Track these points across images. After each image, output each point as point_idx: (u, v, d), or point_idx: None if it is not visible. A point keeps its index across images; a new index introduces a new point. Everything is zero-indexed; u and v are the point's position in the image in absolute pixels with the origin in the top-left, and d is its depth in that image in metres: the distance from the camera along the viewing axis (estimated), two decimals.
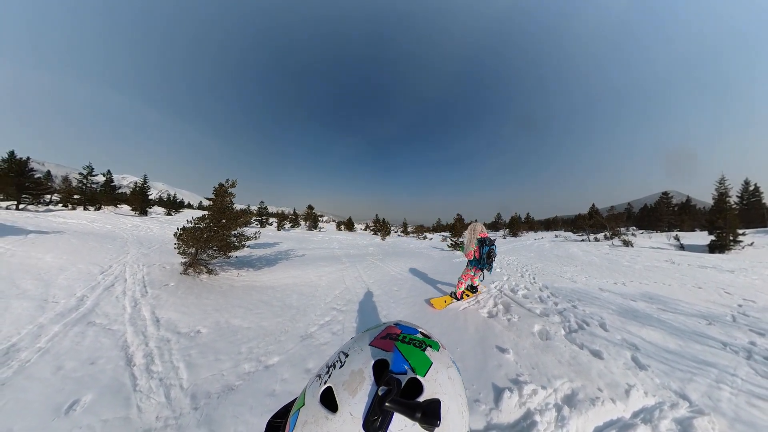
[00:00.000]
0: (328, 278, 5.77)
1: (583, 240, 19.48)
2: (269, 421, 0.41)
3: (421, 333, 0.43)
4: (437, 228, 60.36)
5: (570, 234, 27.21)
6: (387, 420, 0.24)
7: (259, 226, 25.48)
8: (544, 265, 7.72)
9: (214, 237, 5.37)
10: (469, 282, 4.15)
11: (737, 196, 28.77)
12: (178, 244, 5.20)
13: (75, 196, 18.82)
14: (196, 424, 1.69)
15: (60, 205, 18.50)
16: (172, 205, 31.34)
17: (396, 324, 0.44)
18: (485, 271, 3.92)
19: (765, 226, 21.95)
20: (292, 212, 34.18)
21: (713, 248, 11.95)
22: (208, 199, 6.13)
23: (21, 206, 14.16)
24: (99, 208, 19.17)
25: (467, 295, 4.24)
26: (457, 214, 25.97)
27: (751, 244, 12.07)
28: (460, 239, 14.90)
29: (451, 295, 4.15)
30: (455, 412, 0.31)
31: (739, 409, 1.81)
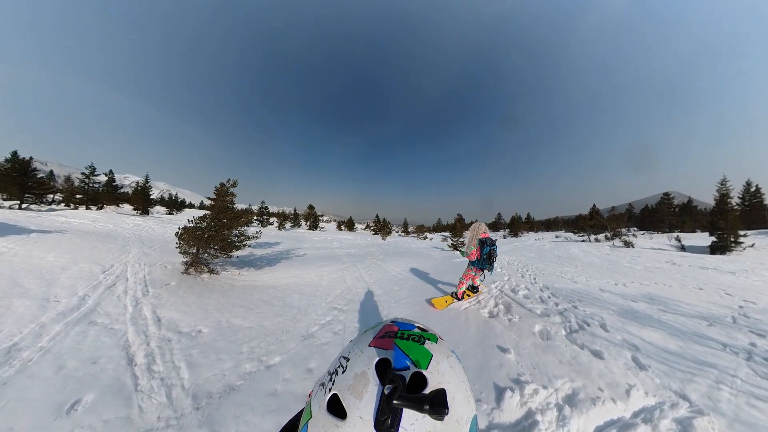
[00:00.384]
0: (329, 278, 5.78)
1: (583, 240, 19.45)
2: None
3: (418, 327, 0.43)
4: (438, 228, 60.33)
5: (571, 234, 27.17)
6: (397, 417, 0.25)
7: (260, 225, 25.49)
8: (544, 266, 7.71)
9: (215, 236, 5.38)
10: (470, 282, 4.15)
11: (738, 197, 28.68)
12: (180, 243, 5.21)
13: (77, 196, 18.88)
14: (197, 424, 1.69)
15: (62, 204, 18.55)
16: (174, 204, 31.38)
17: (393, 322, 0.44)
18: (486, 271, 3.92)
19: (766, 228, 21.89)
20: (292, 212, 34.18)
21: (714, 249, 11.92)
22: (209, 198, 6.14)
23: (24, 206, 14.21)
24: (101, 208, 19.21)
25: (468, 295, 4.24)
26: (458, 214, 25.97)
27: (752, 245, 12.04)
28: (461, 240, 14.91)
29: (452, 295, 4.15)
30: (461, 399, 0.31)
31: (738, 410, 1.82)
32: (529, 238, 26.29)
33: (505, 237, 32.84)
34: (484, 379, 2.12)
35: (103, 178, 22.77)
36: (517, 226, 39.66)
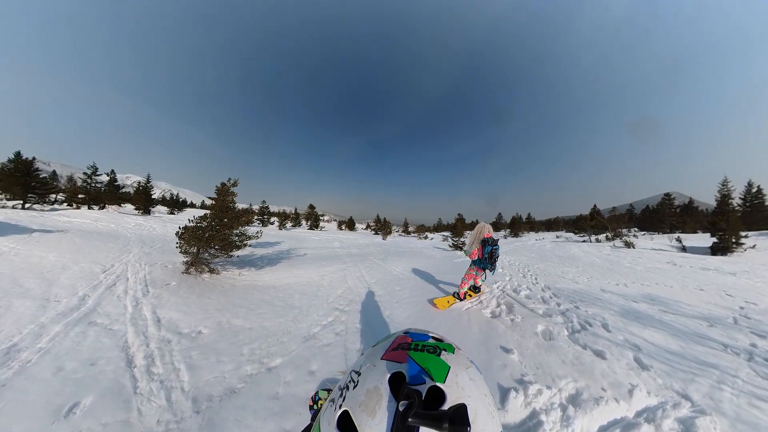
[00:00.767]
0: (330, 278, 5.77)
1: (584, 241, 19.43)
2: None
3: (433, 337, 0.41)
4: (438, 228, 60.35)
5: (571, 235, 27.14)
6: None
7: (260, 225, 25.50)
8: (545, 266, 7.70)
9: (215, 236, 5.37)
10: (471, 282, 4.14)
11: (740, 198, 28.65)
12: (180, 243, 5.20)
13: (79, 196, 18.93)
14: (198, 428, 1.67)
15: (65, 204, 18.61)
16: (175, 204, 31.41)
17: (405, 332, 0.42)
18: (488, 271, 3.91)
19: None
20: (293, 211, 34.18)
21: (715, 250, 11.90)
22: (210, 198, 6.14)
23: (27, 205, 14.29)
24: (103, 207, 19.26)
25: (470, 296, 4.23)
26: (458, 214, 25.97)
27: (754, 246, 12.01)
28: (461, 240, 14.91)
29: (454, 296, 4.14)
30: (484, 414, 0.29)
31: (740, 410, 1.83)
32: (529, 238, 26.28)
33: (505, 237, 32.83)
34: (488, 380, 2.10)
35: (105, 178, 22.84)
36: (518, 226, 39.66)
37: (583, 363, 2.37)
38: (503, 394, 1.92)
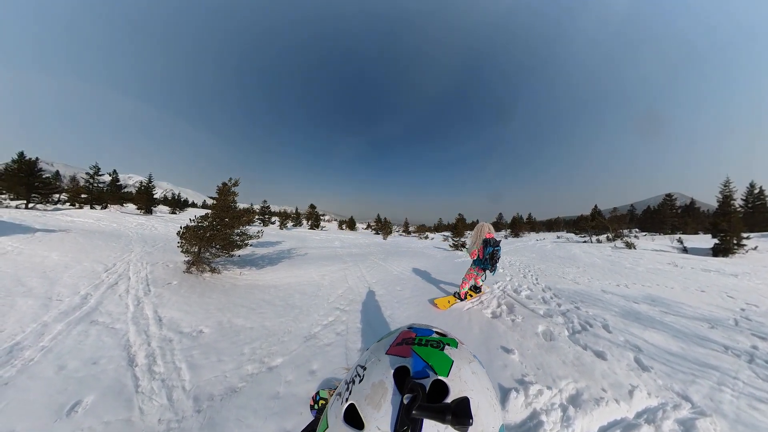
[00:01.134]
0: (330, 277, 5.77)
1: (585, 241, 19.40)
2: None
3: (437, 332, 0.42)
4: (439, 228, 60.33)
5: (572, 235, 27.10)
6: (417, 429, 0.24)
7: (261, 224, 25.54)
8: (546, 266, 7.70)
9: (217, 235, 5.39)
10: (472, 282, 4.14)
11: (742, 199, 28.55)
12: (182, 242, 5.21)
13: (82, 195, 19.04)
14: (198, 427, 1.68)
15: (68, 204, 18.71)
16: (177, 203, 31.51)
17: (409, 328, 0.43)
18: (488, 272, 3.91)
19: None
20: (294, 211, 34.24)
21: (717, 252, 11.87)
22: (211, 198, 6.16)
23: (30, 205, 14.38)
24: (105, 207, 19.36)
25: (471, 296, 4.24)
26: (459, 214, 25.96)
27: (755, 248, 11.98)
28: (462, 240, 14.90)
29: (454, 296, 4.15)
30: (486, 407, 0.30)
31: (740, 412, 1.83)
32: (530, 239, 26.25)
33: (506, 237, 32.80)
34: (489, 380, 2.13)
35: (107, 178, 22.94)
36: (519, 226, 39.63)
37: (584, 364, 2.37)
38: (504, 395, 1.92)
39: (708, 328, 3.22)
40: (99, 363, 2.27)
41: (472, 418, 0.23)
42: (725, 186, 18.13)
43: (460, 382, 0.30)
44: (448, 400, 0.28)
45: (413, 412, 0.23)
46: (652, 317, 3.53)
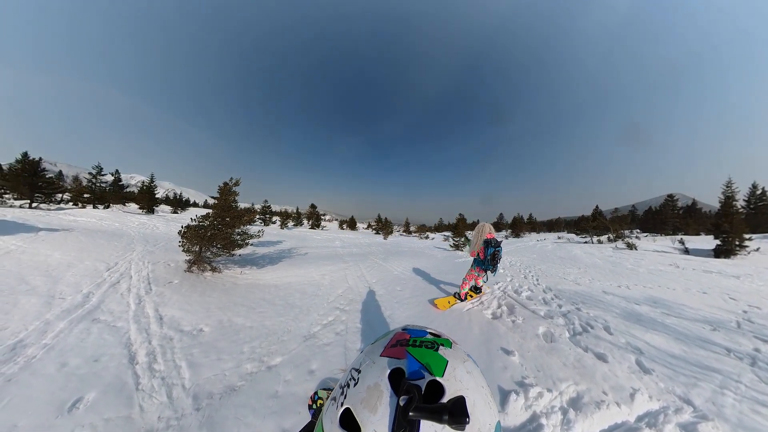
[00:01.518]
0: (330, 277, 5.78)
1: (586, 242, 19.34)
2: None
3: (431, 333, 0.42)
4: (439, 228, 60.29)
5: (573, 236, 27.02)
6: (415, 430, 0.24)
7: (262, 224, 25.59)
8: (547, 267, 7.67)
9: (218, 235, 5.40)
10: (473, 282, 4.13)
11: (744, 200, 28.39)
12: (183, 241, 5.23)
13: (85, 195, 19.17)
14: (198, 425, 1.69)
15: (70, 203, 18.83)
16: (178, 203, 31.61)
17: (403, 329, 0.43)
18: (489, 272, 3.90)
19: None
20: (295, 211, 34.29)
21: (718, 253, 11.80)
22: (212, 197, 6.17)
23: (34, 205, 14.50)
24: (108, 207, 19.47)
25: (471, 296, 4.23)
26: (459, 214, 25.93)
27: (758, 249, 11.90)
28: (462, 239, 14.87)
29: (455, 296, 4.14)
30: (482, 405, 0.30)
31: (742, 416, 1.81)
32: (531, 239, 26.18)
33: (507, 237, 32.75)
34: (489, 382, 2.10)
35: (109, 178, 23.09)
36: (519, 226, 39.56)
37: (585, 366, 2.36)
38: (503, 397, 1.92)
39: (710, 330, 3.19)
40: (100, 360, 2.29)
41: (468, 416, 0.23)
42: (727, 187, 18.03)
43: (456, 382, 0.31)
44: (444, 400, 0.28)
45: (410, 413, 0.23)
46: (654, 319, 3.50)
